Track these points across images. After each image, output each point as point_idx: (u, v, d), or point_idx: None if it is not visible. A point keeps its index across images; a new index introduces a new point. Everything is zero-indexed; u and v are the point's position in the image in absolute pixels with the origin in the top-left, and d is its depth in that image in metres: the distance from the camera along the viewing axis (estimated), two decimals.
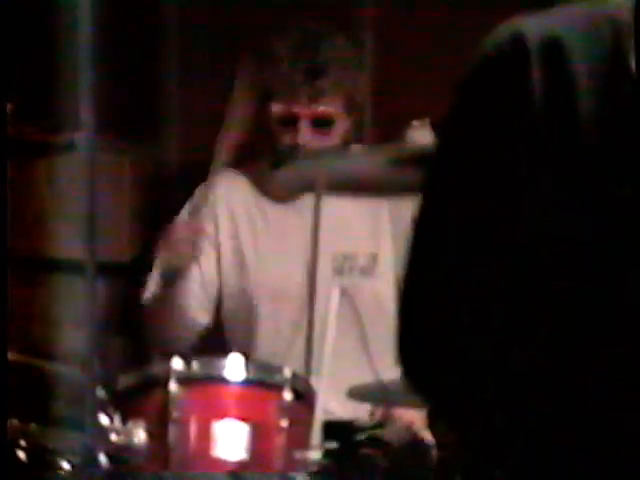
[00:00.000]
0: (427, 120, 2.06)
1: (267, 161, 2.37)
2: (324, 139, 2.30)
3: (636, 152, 1.25)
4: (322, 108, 2.28)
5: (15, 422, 2.13)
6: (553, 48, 1.25)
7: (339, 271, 2.29)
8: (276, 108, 2.29)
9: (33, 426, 2.16)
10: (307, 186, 2.00)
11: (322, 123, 2.30)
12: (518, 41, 1.23)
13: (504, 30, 1.26)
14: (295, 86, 2.26)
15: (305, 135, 2.27)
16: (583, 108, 1.24)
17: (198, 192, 2.45)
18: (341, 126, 2.31)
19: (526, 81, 1.23)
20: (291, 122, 2.28)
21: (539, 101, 1.24)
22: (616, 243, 1.26)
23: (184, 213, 2.44)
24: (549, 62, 1.24)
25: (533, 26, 1.25)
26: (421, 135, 2.08)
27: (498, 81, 1.25)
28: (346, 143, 2.34)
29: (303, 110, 2.27)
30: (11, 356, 2.13)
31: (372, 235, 2.42)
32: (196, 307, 2.48)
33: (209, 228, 2.44)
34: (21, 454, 2.09)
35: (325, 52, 2.29)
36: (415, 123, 2.10)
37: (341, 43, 2.33)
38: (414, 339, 1.33)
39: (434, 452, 2.08)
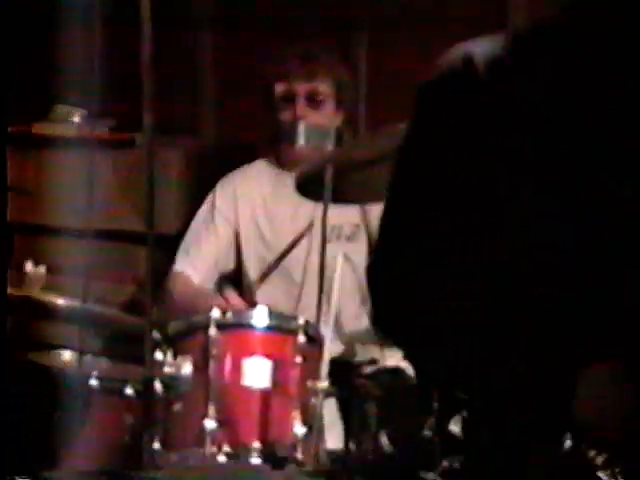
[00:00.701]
0: None
1: (274, 138, 2.77)
2: (316, 115, 2.70)
3: (604, 156, 1.22)
4: (314, 85, 2.71)
5: (89, 357, 2.40)
6: (497, 65, 1.27)
7: (328, 239, 2.57)
8: (278, 88, 2.73)
9: (104, 360, 2.43)
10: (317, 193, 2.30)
11: (314, 100, 2.71)
12: (468, 61, 1.27)
13: (455, 52, 1.30)
14: (293, 67, 2.70)
15: (301, 109, 2.69)
16: (544, 117, 1.22)
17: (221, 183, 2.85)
18: (330, 108, 2.73)
19: (475, 96, 1.25)
20: (290, 99, 2.70)
21: (493, 113, 1.24)
22: (595, 251, 1.22)
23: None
24: (495, 78, 1.26)
25: (479, 48, 1.28)
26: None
27: (453, 95, 1.28)
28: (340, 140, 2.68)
29: (299, 87, 2.70)
30: (89, 307, 2.40)
31: (355, 209, 2.75)
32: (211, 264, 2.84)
33: (229, 205, 2.81)
34: (94, 382, 2.35)
35: (317, 47, 2.76)
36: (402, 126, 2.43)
37: (330, 50, 2.79)
38: (383, 309, 1.38)
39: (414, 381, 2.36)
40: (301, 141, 2.48)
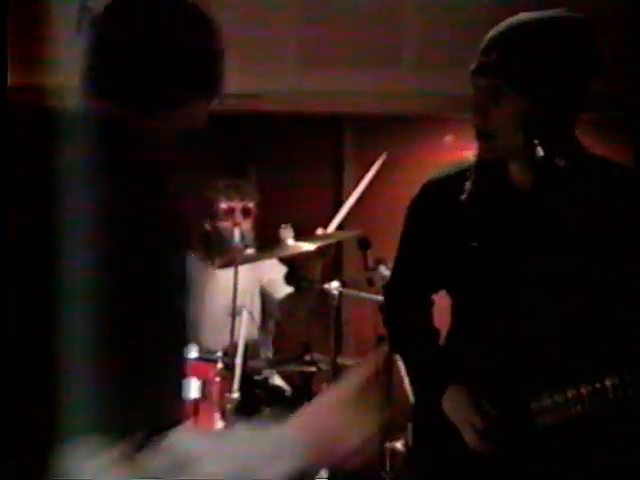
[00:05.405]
0: (289, 225, 3.41)
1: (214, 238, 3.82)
2: (247, 221, 3.80)
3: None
4: (245, 203, 3.83)
5: None
6: (446, 188, 2.00)
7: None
8: (223, 205, 3.81)
9: None
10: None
11: (246, 212, 3.83)
12: (432, 186, 2.04)
13: (427, 181, 2.07)
14: (232, 193, 3.82)
15: (238, 218, 3.78)
16: (456, 213, 1.99)
17: None
18: (254, 215, 3.85)
19: (440, 203, 2.03)
20: (231, 212, 3.80)
21: (458, 214, 1.99)
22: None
23: None
24: (443, 197, 2.01)
25: (438, 176, 2.04)
26: (287, 232, 3.46)
27: (429, 206, 2.06)
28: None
29: (237, 204, 3.81)
30: None
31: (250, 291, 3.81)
32: None
33: None
34: None
35: (244, 182, 3.92)
36: (283, 226, 3.48)
37: (250, 182, 4.00)
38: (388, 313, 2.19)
39: None
40: (237, 241, 3.54)
